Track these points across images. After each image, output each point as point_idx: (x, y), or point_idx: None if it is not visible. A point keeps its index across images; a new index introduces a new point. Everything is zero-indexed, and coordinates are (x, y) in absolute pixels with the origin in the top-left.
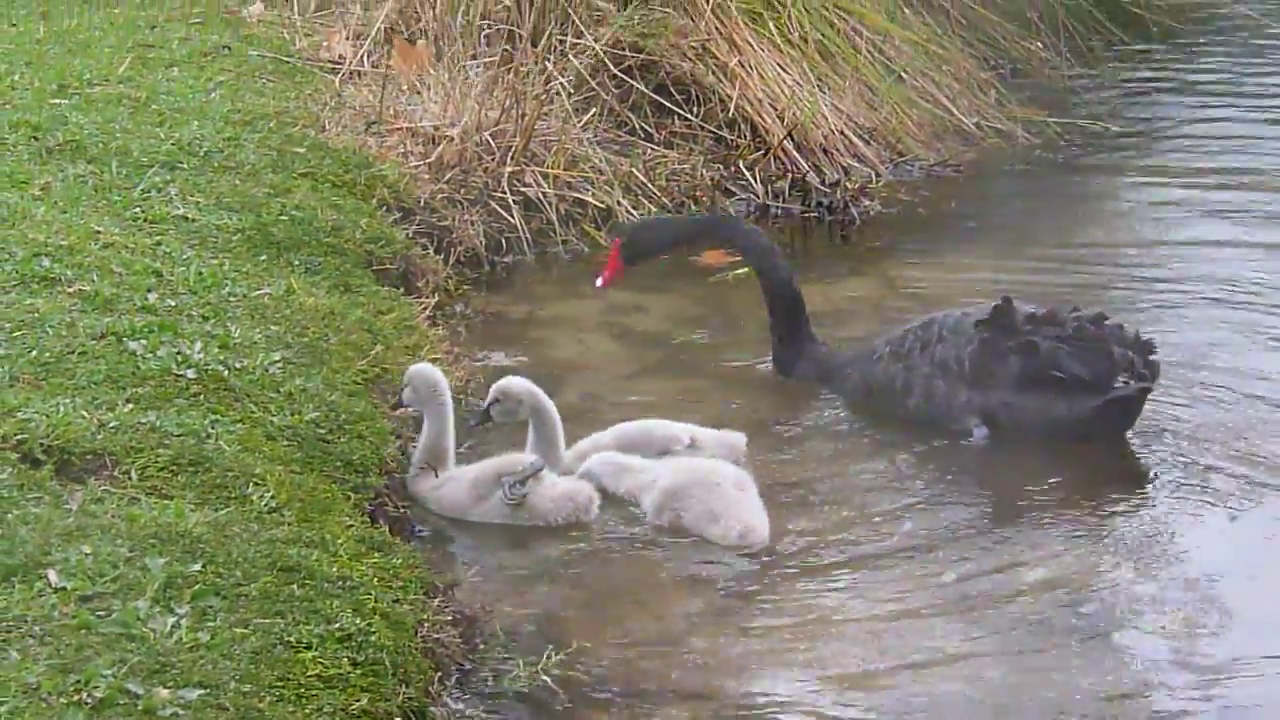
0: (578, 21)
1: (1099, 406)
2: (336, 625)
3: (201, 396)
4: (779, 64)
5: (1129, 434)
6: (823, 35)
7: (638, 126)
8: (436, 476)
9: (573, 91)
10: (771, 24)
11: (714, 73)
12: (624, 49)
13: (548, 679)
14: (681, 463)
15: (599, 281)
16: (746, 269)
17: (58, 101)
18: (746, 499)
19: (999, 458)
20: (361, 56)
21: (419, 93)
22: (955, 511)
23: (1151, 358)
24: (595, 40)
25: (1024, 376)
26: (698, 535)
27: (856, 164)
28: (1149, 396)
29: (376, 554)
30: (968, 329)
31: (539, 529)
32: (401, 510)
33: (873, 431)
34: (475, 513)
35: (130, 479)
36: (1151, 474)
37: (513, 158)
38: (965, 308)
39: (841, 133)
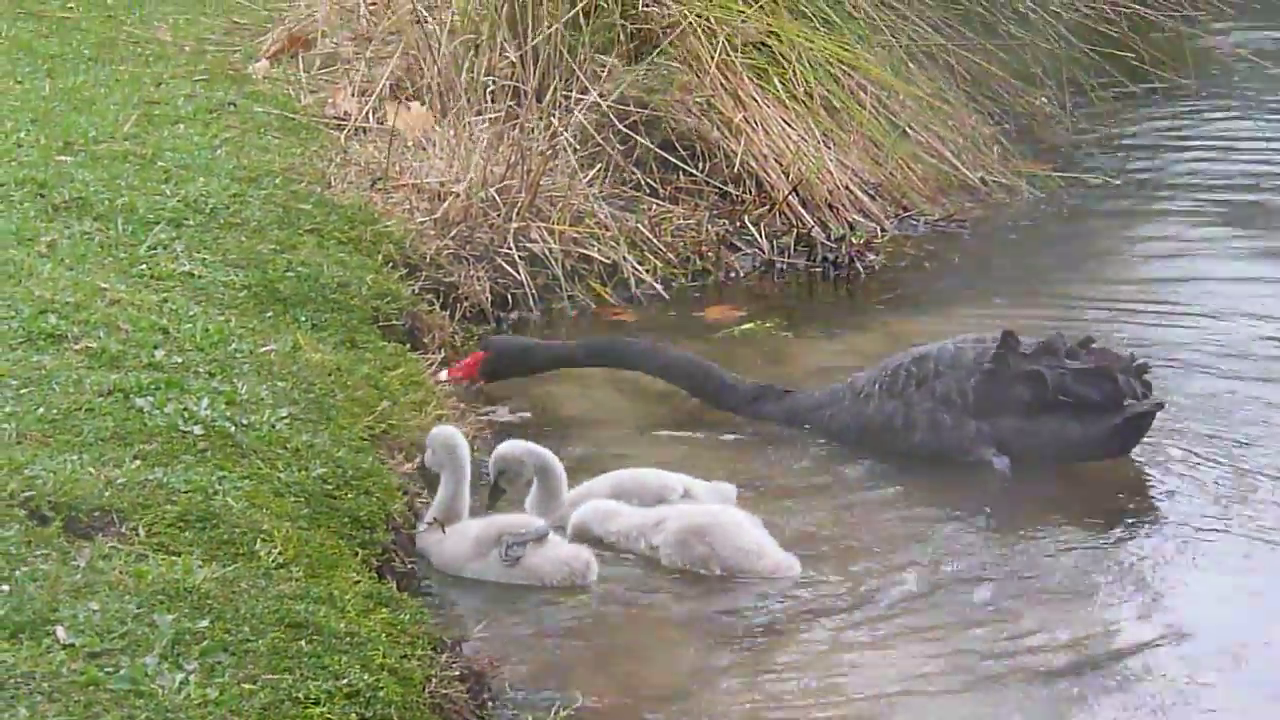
0: (582, 77)
1: (1117, 425)
2: (344, 681)
3: (208, 453)
4: (784, 119)
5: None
6: (827, 91)
7: (643, 182)
8: (444, 532)
9: (578, 147)
10: (776, 79)
11: (719, 128)
12: (629, 104)
13: None
14: (691, 506)
15: (444, 374)
16: (753, 324)
17: (63, 158)
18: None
19: (1015, 495)
20: (366, 113)
21: (424, 149)
22: (979, 559)
23: (1145, 378)
24: (600, 96)
25: (1033, 404)
26: (732, 570)
27: (861, 219)
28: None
29: (384, 609)
30: (967, 362)
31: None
32: (409, 566)
33: (888, 476)
34: (471, 569)
35: (138, 535)
36: (1178, 512)
37: (518, 213)
38: (957, 341)
39: (846, 188)
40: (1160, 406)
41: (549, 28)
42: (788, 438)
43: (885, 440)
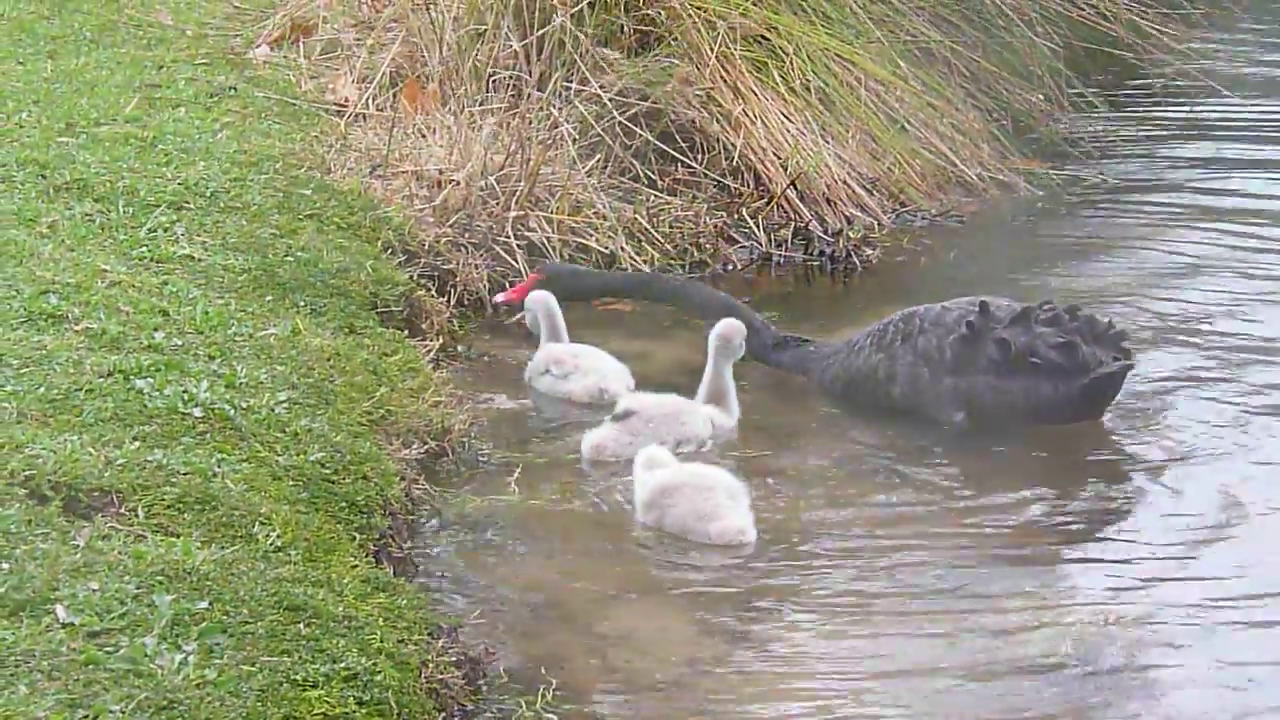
0: (584, 68)
1: (1086, 385)
2: (342, 664)
3: (208, 435)
4: (783, 113)
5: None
6: (825, 84)
7: (642, 173)
8: None
9: (578, 138)
10: (775, 72)
11: (718, 121)
12: (630, 96)
13: (552, 718)
14: (678, 467)
15: (500, 296)
16: None
17: (65, 140)
18: (739, 506)
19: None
20: (367, 100)
21: (424, 136)
22: (963, 541)
23: (1124, 345)
24: (601, 87)
25: (1005, 364)
26: (681, 533)
27: (859, 213)
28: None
29: (381, 594)
30: (949, 321)
31: (544, 568)
32: (406, 550)
33: (870, 455)
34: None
35: (137, 516)
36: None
37: (517, 202)
38: (946, 303)
39: (844, 182)
40: (1130, 367)
41: (557, 19)
42: (778, 423)
43: (867, 391)
